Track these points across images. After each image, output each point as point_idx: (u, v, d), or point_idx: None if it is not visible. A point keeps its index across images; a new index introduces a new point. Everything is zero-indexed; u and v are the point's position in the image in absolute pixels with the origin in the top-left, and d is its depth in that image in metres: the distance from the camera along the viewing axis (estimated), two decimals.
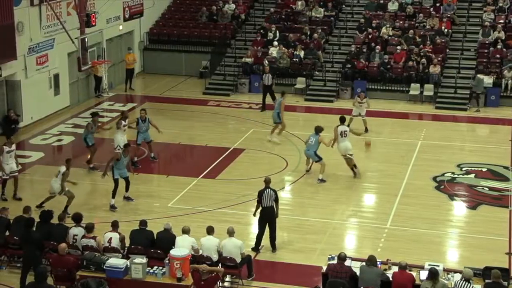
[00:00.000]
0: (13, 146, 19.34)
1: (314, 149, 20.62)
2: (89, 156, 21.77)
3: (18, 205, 17.69)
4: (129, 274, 13.72)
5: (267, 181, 16.61)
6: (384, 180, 21.07)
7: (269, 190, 16.34)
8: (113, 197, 18.81)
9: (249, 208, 18.67)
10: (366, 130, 24.74)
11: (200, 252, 14.62)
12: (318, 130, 20.74)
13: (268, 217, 16.31)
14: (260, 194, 16.29)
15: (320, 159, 20.66)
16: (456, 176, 21.25)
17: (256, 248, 16.37)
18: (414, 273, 13.52)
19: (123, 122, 21.55)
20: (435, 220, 18.27)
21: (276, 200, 16.40)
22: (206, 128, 25.76)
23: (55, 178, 18.29)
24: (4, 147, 19.08)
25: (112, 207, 18.76)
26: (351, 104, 25.66)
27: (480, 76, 28.55)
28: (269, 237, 16.39)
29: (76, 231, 15.06)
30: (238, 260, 14.68)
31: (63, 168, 18.25)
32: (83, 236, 14.84)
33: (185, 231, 14.67)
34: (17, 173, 19.39)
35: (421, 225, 17.92)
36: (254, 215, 16.74)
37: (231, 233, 14.83)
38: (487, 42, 30.72)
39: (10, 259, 15.63)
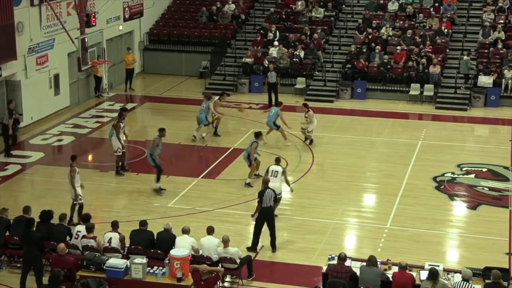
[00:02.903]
0: None
1: (206, 113, 23.74)
2: None
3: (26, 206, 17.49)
4: (129, 274, 13.74)
5: (266, 182, 16.70)
6: (384, 180, 21.08)
7: (269, 190, 16.39)
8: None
9: (249, 208, 18.69)
10: (311, 142, 23.56)
11: (200, 252, 14.62)
12: (208, 97, 24.39)
13: (267, 217, 16.34)
14: (261, 194, 16.32)
15: (208, 123, 23.89)
16: (456, 176, 21.26)
17: (253, 249, 16.33)
18: (414, 273, 13.53)
19: (122, 125, 21.09)
20: (435, 220, 18.27)
21: (275, 200, 16.43)
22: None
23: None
24: (76, 168, 17.92)
25: (159, 190, 19.69)
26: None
27: (465, 57, 29.00)
28: (270, 237, 16.40)
29: (81, 228, 15.11)
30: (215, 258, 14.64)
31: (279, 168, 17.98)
32: (83, 236, 14.84)
33: (185, 231, 14.67)
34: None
35: (421, 225, 17.93)
36: (253, 216, 16.73)
37: (225, 241, 14.73)
38: (487, 42, 30.73)
39: (10, 259, 15.63)
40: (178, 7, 36.03)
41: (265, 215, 16.33)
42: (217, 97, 24.71)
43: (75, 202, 17.72)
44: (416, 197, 19.71)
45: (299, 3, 34.08)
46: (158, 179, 19.91)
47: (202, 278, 13.47)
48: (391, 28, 31.82)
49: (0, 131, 23.11)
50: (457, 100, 28.62)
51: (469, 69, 29.04)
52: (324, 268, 13.91)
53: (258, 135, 20.62)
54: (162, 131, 20.20)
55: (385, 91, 29.69)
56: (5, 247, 15.53)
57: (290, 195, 19.80)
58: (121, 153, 20.95)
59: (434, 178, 20.97)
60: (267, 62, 30.33)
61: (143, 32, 33.76)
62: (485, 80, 28.52)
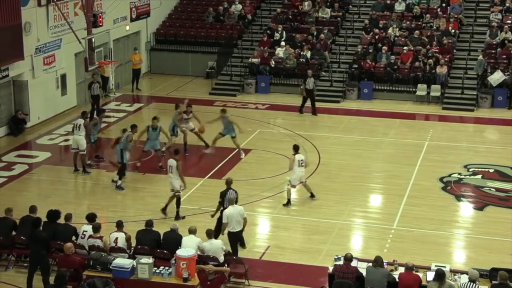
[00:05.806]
0: None
1: (173, 125, 22.66)
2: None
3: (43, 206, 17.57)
4: (136, 274, 13.75)
5: (229, 182, 16.65)
6: (390, 180, 21.05)
7: (232, 191, 16.41)
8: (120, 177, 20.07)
9: (255, 209, 18.75)
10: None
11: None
12: (177, 106, 23.07)
13: None
14: (223, 195, 16.31)
15: (175, 135, 22.63)
16: (463, 177, 21.21)
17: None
18: (420, 274, 13.51)
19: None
20: (441, 221, 18.23)
21: (237, 200, 16.36)
22: (212, 129, 25.71)
23: (171, 174, 17.92)
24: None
25: (119, 187, 19.98)
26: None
27: (480, 57, 29.03)
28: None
29: (87, 228, 15.11)
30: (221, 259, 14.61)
31: (173, 162, 17.87)
32: (90, 236, 14.86)
33: (192, 231, 14.68)
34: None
35: (428, 226, 17.89)
36: (213, 216, 16.61)
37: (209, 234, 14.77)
38: (494, 42, 30.65)
39: (17, 258, 15.67)
40: (185, 7, 36.07)
41: None
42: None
43: (177, 194, 17.99)
44: (423, 198, 19.66)
45: (306, 3, 34.06)
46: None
47: (209, 278, 13.48)
48: (398, 29, 31.77)
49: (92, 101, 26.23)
50: (464, 101, 28.55)
51: (483, 69, 28.95)
52: (330, 269, 13.90)
53: (132, 127, 20.63)
54: (134, 127, 20.52)
55: (391, 91, 29.64)
56: (12, 247, 15.56)
57: (296, 195, 19.77)
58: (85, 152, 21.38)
59: (441, 179, 20.93)
60: (273, 62, 30.34)
61: (149, 32, 33.81)
62: (496, 76, 28.32)
